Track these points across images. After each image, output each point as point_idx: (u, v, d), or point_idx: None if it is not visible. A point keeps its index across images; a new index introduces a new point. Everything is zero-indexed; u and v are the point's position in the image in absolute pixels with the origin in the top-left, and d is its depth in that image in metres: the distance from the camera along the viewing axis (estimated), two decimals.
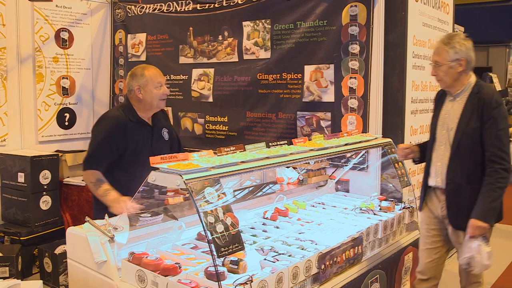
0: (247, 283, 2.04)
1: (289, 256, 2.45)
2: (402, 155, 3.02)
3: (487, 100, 2.54)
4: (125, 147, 2.90)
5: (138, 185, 2.95)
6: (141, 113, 3.00)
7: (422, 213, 2.96)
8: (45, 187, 4.33)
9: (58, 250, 3.84)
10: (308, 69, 3.95)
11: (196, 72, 4.74)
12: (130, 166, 2.93)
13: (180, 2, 4.79)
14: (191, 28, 4.74)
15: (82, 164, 2.93)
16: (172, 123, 4.89)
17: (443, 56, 2.59)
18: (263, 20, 4.21)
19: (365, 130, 3.67)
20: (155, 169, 2.22)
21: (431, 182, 2.82)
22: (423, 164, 2.92)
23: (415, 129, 3.86)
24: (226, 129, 4.53)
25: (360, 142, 3.27)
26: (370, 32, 3.60)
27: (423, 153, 2.93)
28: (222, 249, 2.01)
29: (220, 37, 4.53)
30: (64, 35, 5.03)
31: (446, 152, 2.70)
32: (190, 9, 4.72)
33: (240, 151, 2.60)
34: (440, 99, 2.82)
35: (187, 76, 4.80)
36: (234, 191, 3.32)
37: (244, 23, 4.34)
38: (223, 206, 2.10)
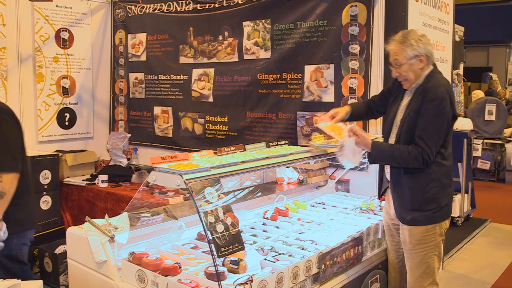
0: (247, 283, 2.04)
1: (289, 256, 2.46)
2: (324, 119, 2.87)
3: (428, 91, 2.47)
4: None
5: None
6: None
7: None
8: (45, 187, 4.33)
9: (58, 250, 3.84)
10: (308, 69, 3.95)
11: (196, 72, 4.74)
12: None
13: (180, 2, 4.79)
14: (191, 28, 4.74)
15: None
16: (172, 123, 4.92)
17: (402, 55, 2.52)
18: (263, 20, 4.20)
19: (365, 130, 3.66)
20: (155, 169, 2.22)
21: (387, 176, 2.76)
22: None
23: None
24: (226, 129, 4.53)
25: None
26: (370, 32, 3.60)
27: (356, 111, 2.91)
28: (222, 249, 2.01)
29: (220, 37, 4.53)
30: (64, 35, 5.03)
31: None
32: (190, 9, 4.72)
33: (240, 151, 2.61)
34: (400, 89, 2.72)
35: (187, 76, 4.80)
36: (234, 191, 3.32)
37: (244, 23, 4.34)
38: (223, 206, 2.11)
